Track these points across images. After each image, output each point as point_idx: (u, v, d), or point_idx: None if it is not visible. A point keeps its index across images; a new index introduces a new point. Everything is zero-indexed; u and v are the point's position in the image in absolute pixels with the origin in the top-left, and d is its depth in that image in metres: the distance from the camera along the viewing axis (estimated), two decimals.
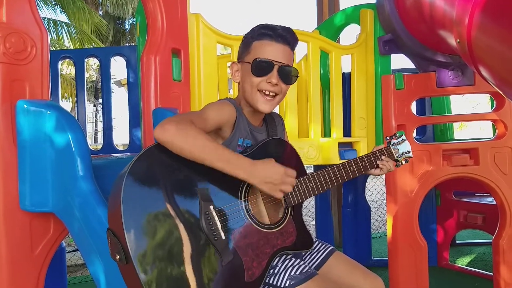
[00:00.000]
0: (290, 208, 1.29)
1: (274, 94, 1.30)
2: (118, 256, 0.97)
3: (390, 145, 1.46)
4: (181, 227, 1.02)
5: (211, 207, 1.08)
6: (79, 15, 12.20)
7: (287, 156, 1.35)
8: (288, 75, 1.30)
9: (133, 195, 0.98)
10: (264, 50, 1.28)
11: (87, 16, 12.39)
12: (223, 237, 1.08)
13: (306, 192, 1.27)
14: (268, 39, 1.28)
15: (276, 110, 2.40)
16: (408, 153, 1.48)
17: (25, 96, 1.41)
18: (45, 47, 1.47)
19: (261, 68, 1.28)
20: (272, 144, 1.32)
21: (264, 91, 1.29)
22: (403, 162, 1.48)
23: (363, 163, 1.39)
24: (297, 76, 1.35)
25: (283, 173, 1.13)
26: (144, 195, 1.00)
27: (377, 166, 1.42)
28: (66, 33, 12.24)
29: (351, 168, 1.36)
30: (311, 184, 1.28)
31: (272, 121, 1.46)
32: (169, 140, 1.03)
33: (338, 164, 1.35)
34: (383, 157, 1.42)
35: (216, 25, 2.06)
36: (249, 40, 1.33)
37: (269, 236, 1.19)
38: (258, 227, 1.18)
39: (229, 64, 1.39)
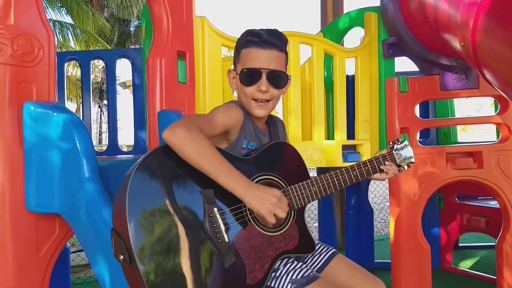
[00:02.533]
0: (293, 211, 1.29)
1: (266, 100, 1.30)
2: (122, 257, 0.98)
3: (393, 150, 1.46)
4: (185, 229, 1.03)
5: (215, 209, 1.08)
6: (84, 17, 12.26)
7: (291, 160, 1.36)
8: (277, 80, 1.30)
9: (138, 196, 0.99)
10: (251, 58, 1.28)
11: (92, 18, 12.45)
12: (226, 240, 1.08)
13: (309, 196, 1.27)
14: (254, 46, 1.28)
15: (280, 112, 2.44)
16: (410, 158, 1.48)
17: (32, 98, 1.41)
18: (52, 49, 1.48)
19: (249, 77, 1.28)
20: (276, 148, 1.33)
21: (256, 100, 1.29)
22: (405, 167, 1.48)
23: (366, 168, 1.39)
24: (288, 79, 1.34)
25: (279, 196, 1.13)
26: (149, 196, 1.01)
27: (381, 171, 1.42)
28: (72, 35, 12.30)
29: (354, 173, 1.36)
30: (314, 188, 1.28)
31: (274, 124, 1.47)
32: (177, 145, 1.05)
33: (342, 168, 1.35)
34: (386, 162, 1.42)
35: (221, 28, 2.07)
36: (237, 48, 1.34)
37: (272, 239, 1.20)
38: (261, 230, 1.18)
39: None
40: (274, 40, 1.29)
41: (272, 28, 1.32)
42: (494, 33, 1.39)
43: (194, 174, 1.08)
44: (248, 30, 1.33)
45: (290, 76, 1.36)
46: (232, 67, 1.40)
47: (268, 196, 1.10)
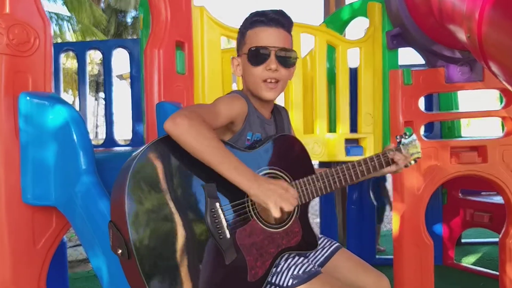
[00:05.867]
0: (297, 207, 1.25)
1: (276, 80, 1.27)
2: (120, 251, 0.96)
3: (400, 145, 1.42)
4: (186, 224, 1.00)
5: (217, 204, 1.05)
6: (81, 8, 12.18)
7: (296, 153, 1.32)
8: (286, 58, 1.27)
9: (138, 188, 0.96)
10: (259, 37, 1.25)
11: (89, 10, 12.38)
12: (228, 236, 1.05)
13: (314, 191, 1.23)
14: (260, 25, 1.25)
15: (281, 104, 2.40)
16: (417, 153, 1.44)
17: (28, 88, 1.40)
18: (48, 39, 1.46)
19: (258, 56, 1.24)
20: (281, 141, 1.29)
21: (266, 80, 1.26)
22: (412, 162, 1.44)
23: (373, 163, 1.34)
24: (296, 58, 1.31)
25: (286, 188, 1.07)
26: (149, 189, 0.98)
27: (388, 164, 1.38)
28: (67, 27, 12.23)
29: (361, 168, 1.31)
30: (319, 184, 1.24)
31: (279, 113, 1.44)
32: (179, 135, 1.01)
33: (347, 163, 1.31)
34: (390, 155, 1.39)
35: (221, 18, 2.04)
36: (243, 31, 1.30)
37: (274, 236, 1.17)
38: (264, 226, 1.15)
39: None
40: (281, 19, 1.26)
41: (278, 9, 1.29)
42: (500, 24, 1.36)
43: (196, 167, 1.04)
44: (252, 12, 1.29)
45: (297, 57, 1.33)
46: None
47: (274, 188, 1.05)
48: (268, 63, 1.24)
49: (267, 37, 1.24)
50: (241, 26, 1.32)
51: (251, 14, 1.29)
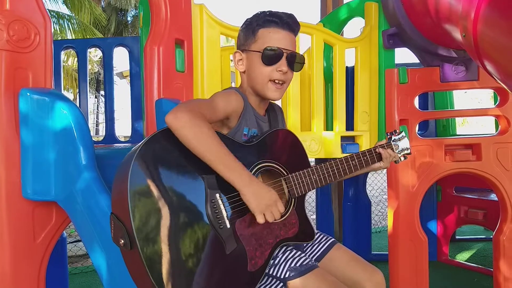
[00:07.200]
0: (293, 199, 1.29)
1: (282, 82, 1.31)
2: (122, 241, 0.97)
3: (391, 141, 1.48)
4: (186, 214, 1.02)
5: (217, 195, 1.08)
6: (81, 7, 12.12)
7: (292, 147, 1.35)
8: (296, 62, 1.32)
9: (140, 179, 0.97)
10: (272, 38, 1.28)
11: (89, 8, 12.32)
12: (228, 226, 1.08)
13: (309, 184, 1.28)
14: (275, 26, 1.28)
15: (279, 102, 2.42)
16: (407, 150, 1.51)
17: (28, 85, 1.41)
18: (49, 35, 1.46)
19: (271, 56, 1.28)
20: (277, 135, 1.32)
21: (274, 80, 1.29)
22: (402, 158, 1.51)
23: (365, 157, 1.41)
24: (304, 63, 1.36)
25: (276, 200, 1.11)
26: (150, 180, 0.99)
27: (381, 159, 1.43)
28: (68, 26, 12.16)
29: (353, 162, 1.37)
30: (314, 177, 1.29)
31: (273, 110, 1.47)
32: (179, 129, 1.03)
33: (341, 158, 1.36)
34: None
35: (220, 16, 2.04)
36: (254, 27, 1.31)
37: (272, 227, 1.20)
38: None
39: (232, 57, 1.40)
40: (293, 24, 1.31)
41: (289, 12, 1.33)
42: (495, 23, 1.38)
43: (196, 159, 1.06)
44: (263, 11, 1.32)
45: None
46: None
47: (265, 195, 1.08)
48: (279, 64, 1.28)
49: (281, 39, 1.28)
50: (251, 21, 1.32)
51: (263, 12, 1.32)
